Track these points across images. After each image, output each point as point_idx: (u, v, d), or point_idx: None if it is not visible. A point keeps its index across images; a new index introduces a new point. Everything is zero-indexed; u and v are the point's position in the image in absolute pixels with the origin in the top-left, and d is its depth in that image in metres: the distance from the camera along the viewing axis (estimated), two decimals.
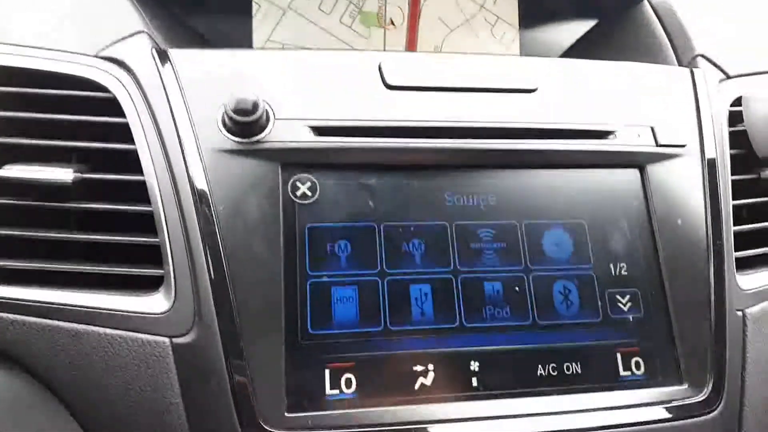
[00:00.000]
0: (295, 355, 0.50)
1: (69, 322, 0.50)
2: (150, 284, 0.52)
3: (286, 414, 0.48)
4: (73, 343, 0.50)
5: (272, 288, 0.51)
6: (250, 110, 0.52)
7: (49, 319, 0.50)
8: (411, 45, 0.90)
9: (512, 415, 0.51)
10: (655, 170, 0.60)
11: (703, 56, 0.69)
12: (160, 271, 0.51)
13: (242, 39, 0.85)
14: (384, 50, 0.88)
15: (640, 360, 0.55)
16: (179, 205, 0.52)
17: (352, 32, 0.89)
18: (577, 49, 0.90)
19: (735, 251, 0.61)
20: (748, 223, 0.64)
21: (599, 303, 0.56)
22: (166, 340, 0.50)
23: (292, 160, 0.54)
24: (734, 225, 0.62)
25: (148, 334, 0.50)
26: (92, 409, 0.50)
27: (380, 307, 0.53)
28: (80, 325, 0.50)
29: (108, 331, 0.50)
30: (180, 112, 0.54)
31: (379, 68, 0.59)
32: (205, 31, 0.83)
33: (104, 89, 0.56)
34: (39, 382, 0.50)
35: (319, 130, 0.55)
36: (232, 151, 0.53)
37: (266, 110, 0.54)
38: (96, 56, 0.57)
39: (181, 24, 0.78)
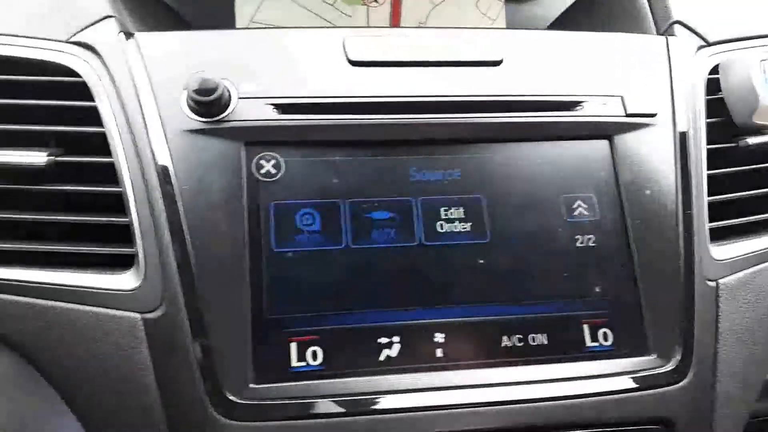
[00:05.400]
0: (260, 329, 0.51)
1: (46, 299, 0.52)
2: (121, 264, 0.53)
3: (251, 385, 0.50)
4: (50, 320, 0.52)
5: (237, 264, 0.52)
6: (211, 89, 0.53)
7: (28, 297, 0.52)
8: (395, 21, 0.90)
9: (476, 384, 0.52)
10: (623, 140, 0.59)
11: (680, 23, 0.67)
12: (131, 250, 0.53)
13: (225, 20, 0.85)
14: (368, 27, 0.88)
15: (607, 331, 0.55)
16: (146, 185, 0.53)
17: (335, 10, 0.89)
18: (563, 22, 0.88)
19: (711, 221, 0.61)
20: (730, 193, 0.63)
21: (565, 275, 0.56)
22: (137, 315, 0.51)
23: (255, 138, 0.55)
24: (711, 195, 0.61)
25: (121, 310, 0.52)
26: (71, 381, 0.52)
27: (345, 281, 0.54)
28: (56, 302, 0.52)
29: (83, 307, 0.52)
30: (145, 93, 0.55)
31: (343, 45, 0.59)
32: (186, 13, 0.83)
33: (75, 74, 0.57)
34: (21, 357, 0.53)
35: (282, 108, 0.56)
36: (195, 131, 0.54)
37: (227, 89, 0.55)
38: (67, 41, 0.58)
39: (160, 6, 0.79)
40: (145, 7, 0.70)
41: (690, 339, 0.56)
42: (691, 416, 0.56)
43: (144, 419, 0.51)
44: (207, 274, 0.51)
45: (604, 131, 0.60)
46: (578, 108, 0.60)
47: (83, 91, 0.56)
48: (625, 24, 0.75)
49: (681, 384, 0.55)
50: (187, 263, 0.51)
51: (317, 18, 0.88)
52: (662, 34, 0.68)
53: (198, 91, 0.53)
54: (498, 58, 0.60)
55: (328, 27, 0.86)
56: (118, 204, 0.54)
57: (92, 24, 0.59)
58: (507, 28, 0.90)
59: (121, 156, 0.54)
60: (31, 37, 0.58)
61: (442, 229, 0.56)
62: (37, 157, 0.54)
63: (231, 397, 0.49)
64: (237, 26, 0.85)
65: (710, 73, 0.66)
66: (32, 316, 0.52)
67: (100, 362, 0.51)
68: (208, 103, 0.53)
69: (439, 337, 0.53)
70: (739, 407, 0.59)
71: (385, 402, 0.51)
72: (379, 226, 0.55)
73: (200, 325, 0.50)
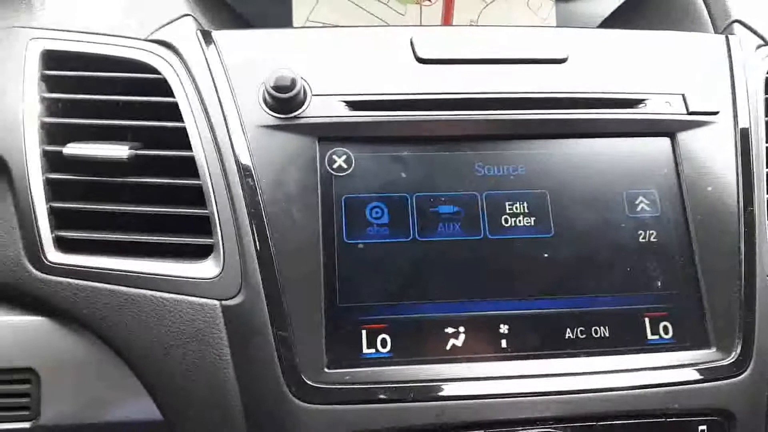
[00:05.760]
0: (333, 317, 0.53)
1: (129, 287, 0.55)
2: (199, 253, 0.56)
3: (326, 370, 0.52)
4: (133, 306, 0.55)
5: (312, 255, 0.54)
6: (288, 87, 0.55)
7: (111, 284, 0.55)
8: (446, 20, 0.91)
9: (540, 374, 0.54)
10: (685, 138, 0.60)
11: (739, 22, 0.68)
12: (210, 241, 0.55)
13: (282, 19, 0.88)
14: (420, 26, 0.90)
15: (668, 324, 0.57)
16: (226, 178, 0.55)
17: (389, 9, 0.91)
18: (614, 20, 0.89)
19: None
20: None
21: (628, 269, 0.57)
22: (216, 302, 0.54)
23: (329, 134, 0.57)
24: None
25: (201, 297, 0.54)
26: (151, 366, 0.55)
27: (412, 273, 0.56)
28: (139, 290, 0.55)
29: (164, 294, 0.55)
30: (224, 90, 0.58)
31: (411, 43, 0.61)
32: (245, 12, 0.86)
33: (155, 71, 0.59)
34: (103, 342, 0.56)
35: (354, 105, 0.58)
36: (272, 127, 0.57)
37: (303, 87, 0.57)
38: (146, 40, 0.61)
39: (223, 6, 0.81)
40: (212, 6, 0.72)
41: (750, 333, 0.57)
42: (750, 408, 0.56)
43: (220, 401, 0.53)
44: (284, 263, 0.54)
45: (667, 128, 0.61)
46: (641, 105, 0.61)
47: (161, 87, 0.59)
48: (679, 23, 0.75)
49: (741, 377, 0.56)
50: (266, 253, 0.53)
51: (371, 17, 0.90)
52: (721, 33, 0.69)
53: (277, 88, 0.55)
54: (563, 56, 0.61)
55: (384, 26, 0.88)
56: (192, 196, 0.56)
57: (170, 22, 0.61)
58: (557, 26, 0.91)
59: (200, 150, 0.57)
60: (111, 35, 0.61)
61: (506, 223, 0.57)
62: (120, 151, 0.57)
63: (307, 381, 0.52)
64: (294, 25, 0.88)
65: None
66: (113, 301, 0.55)
67: (179, 346, 0.54)
68: (286, 99, 0.55)
69: (504, 328, 0.55)
70: None
71: (451, 389, 0.53)
72: (445, 220, 0.57)
73: (278, 311, 0.53)
